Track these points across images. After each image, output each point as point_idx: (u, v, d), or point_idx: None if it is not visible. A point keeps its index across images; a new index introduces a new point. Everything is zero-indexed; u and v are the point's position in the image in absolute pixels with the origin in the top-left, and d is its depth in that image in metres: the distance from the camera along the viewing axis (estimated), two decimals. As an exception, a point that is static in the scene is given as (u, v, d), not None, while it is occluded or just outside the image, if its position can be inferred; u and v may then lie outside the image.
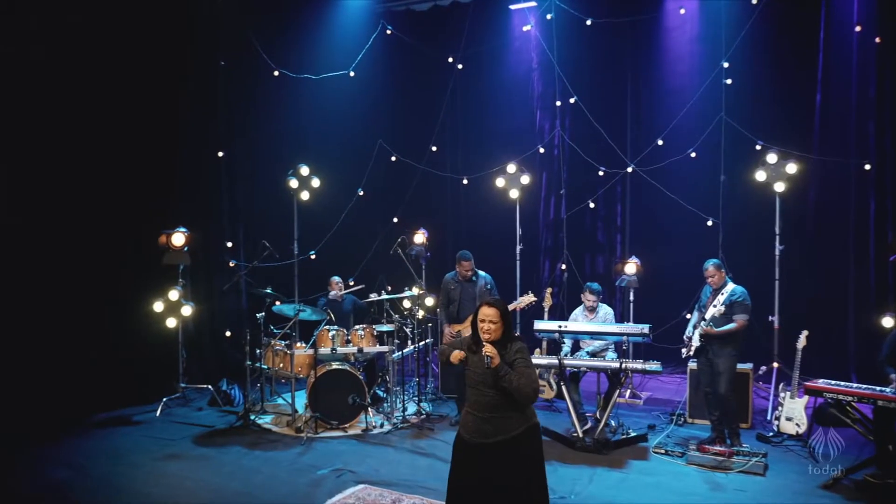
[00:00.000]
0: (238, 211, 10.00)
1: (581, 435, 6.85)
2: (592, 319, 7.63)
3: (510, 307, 7.62)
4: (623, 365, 6.79)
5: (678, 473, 6.26)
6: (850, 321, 9.12)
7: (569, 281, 9.93)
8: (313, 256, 9.91)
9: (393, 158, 10.51)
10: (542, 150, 10.18)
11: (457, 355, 4.20)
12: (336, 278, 8.83)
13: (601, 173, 9.68)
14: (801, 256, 8.76)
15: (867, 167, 8.38)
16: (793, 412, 7.17)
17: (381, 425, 7.51)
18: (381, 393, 8.30)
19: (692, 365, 7.58)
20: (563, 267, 9.71)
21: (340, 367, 7.51)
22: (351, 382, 7.45)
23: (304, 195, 9.04)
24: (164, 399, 8.15)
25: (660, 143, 9.20)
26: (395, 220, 10.52)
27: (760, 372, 8.25)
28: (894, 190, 8.83)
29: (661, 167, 9.21)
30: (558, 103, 9.93)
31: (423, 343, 8.43)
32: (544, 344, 8.42)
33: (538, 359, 7.21)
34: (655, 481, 6.09)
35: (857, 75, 8.81)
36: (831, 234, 9.09)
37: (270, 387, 8.47)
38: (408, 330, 8.09)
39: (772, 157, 8.05)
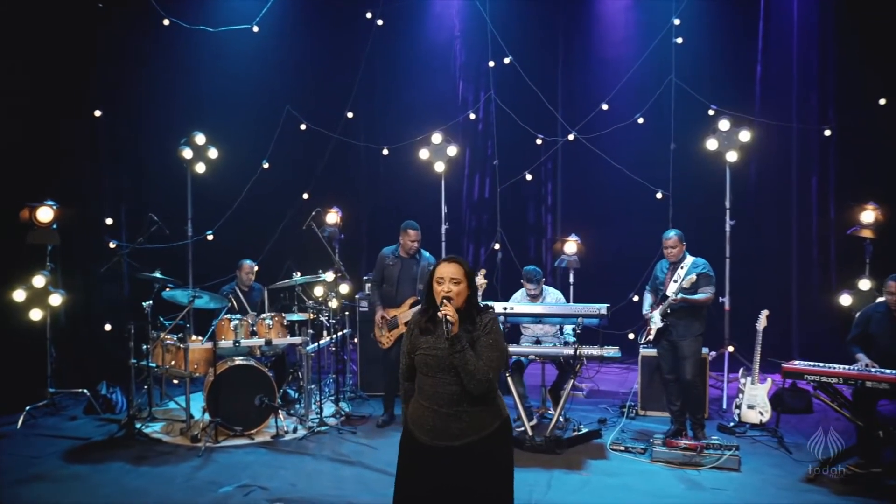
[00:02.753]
0: (120, 183, 8.65)
1: (530, 433, 5.97)
2: (538, 307, 6.77)
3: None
4: (578, 351, 5.94)
5: (644, 472, 5.51)
6: (794, 300, 8.73)
7: (504, 263, 9.02)
8: (210, 237, 8.65)
9: (303, 126, 9.34)
10: (472, 116, 9.21)
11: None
12: (248, 262, 7.59)
13: (539, 142, 8.85)
14: (747, 232, 8.22)
15: (827, 133, 7.89)
16: (755, 399, 6.57)
17: (295, 430, 6.41)
18: (292, 392, 7.18)
19: (645, 351, 6.86)
20: (497, 247, 8.80)
21: (245, 362, 6.39)
22: (257, 380, 6.33)
23: (200, 167, 7.88)
24: (28, 408, 6.84)
25: (604, 107, 8.44)
26: (306, 196, 9.34)
27: (710, 357, 7.64)
28: (837, 164, 8.48)
29: (607, 135, 8.44)
30: (491, 63, 8.98)
31: (340, 334, 7.35)
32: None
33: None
34: (621, 483, 5.32)
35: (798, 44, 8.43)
36: (774, 208, 8.64)
37: (160, 389, 7.23)
38: (324, 319, 6.99)
39: (724, 124, 7.43)
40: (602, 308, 5.95)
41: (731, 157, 7.51)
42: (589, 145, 8.42)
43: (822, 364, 5.47)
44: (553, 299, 6.86)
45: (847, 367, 5.38)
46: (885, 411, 6.28)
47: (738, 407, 6.64)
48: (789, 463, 5.69)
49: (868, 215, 7.29)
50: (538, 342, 6.77)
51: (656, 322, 6.09)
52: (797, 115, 8.38)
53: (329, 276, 7.25)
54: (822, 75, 8.46)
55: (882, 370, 5.22)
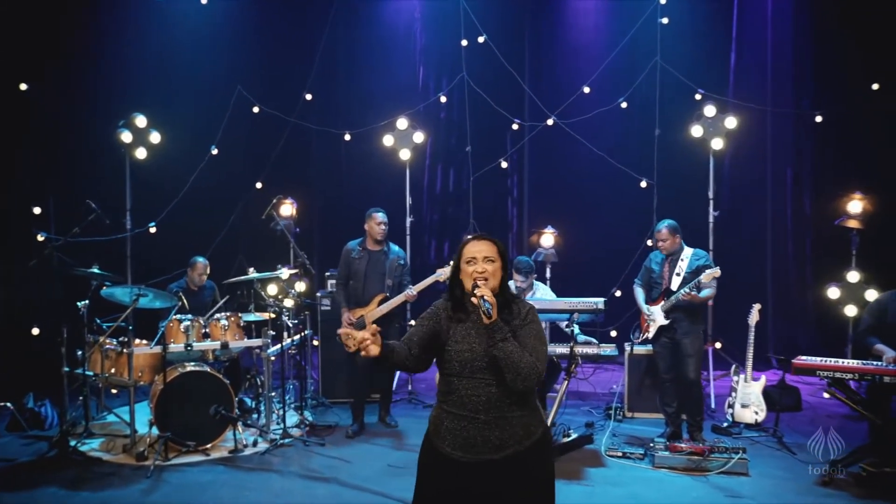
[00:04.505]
0: (49, 168, 7.69)
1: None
2: (527, 303, 6.25)
3: (427, 284, 6.13)
4: (573, 349, 5.44)
5: (650, 480, 5.06)
6: (769, 294, 8.49)
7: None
8: (153, 230, 7.80)
9: (256, 109, 8.56)
10: (443, 99, 8.58)
11: (370, 331, 2.62)
12: (201, 260, 6.82)
13: (515, 127, 8.32)
14: (726, 223, 7.90)
15: (818, 119, 7.61)
16: (748, 398, 6.22)
17: (255, 443, 5.72)
18: (248, 401, 6.46)
19: (635, 350, 6.41)
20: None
21: (198, 368, 5.65)
22: (212, 389, 5.62)
23: (140, 153, 7.43)
24: (-61, 425, 5.91)
25: (586, 90, 7.96)
26: (259, 185, 8.58)
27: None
28: (813, 156, 8.25)
29: (587, 120, 7.94)
30: (464, 42, 8.37)
31: (300, 336, 6.68)
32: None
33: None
34: (629, 493, 4.86)
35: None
36: (750, 199, 8.36)
37: (98, 400, 6.38)
38: (286, 319, 6.30)
39: (710, 110, 7.08)
40: (599, 302, 5.46)
41: (717, 144, 7.18)
42: (569, 130, 7.93)
43: (833, 360, 5.11)
44: (541, 295, 6.36)
45: (858, 361, 5.06)
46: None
47: (732, 406, 6.29)
48: (797, 465, 5.34)
49: (855, 205, 7.06)
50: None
51: (658, 319, 5.65)
52: (793, 101, 8.11)
53: (285, 272, 6.55)
54: (802, 61, 8.21)
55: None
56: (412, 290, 6.00)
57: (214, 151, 8.34)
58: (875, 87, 7.25)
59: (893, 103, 7.13)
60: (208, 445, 5.54)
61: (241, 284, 6.60)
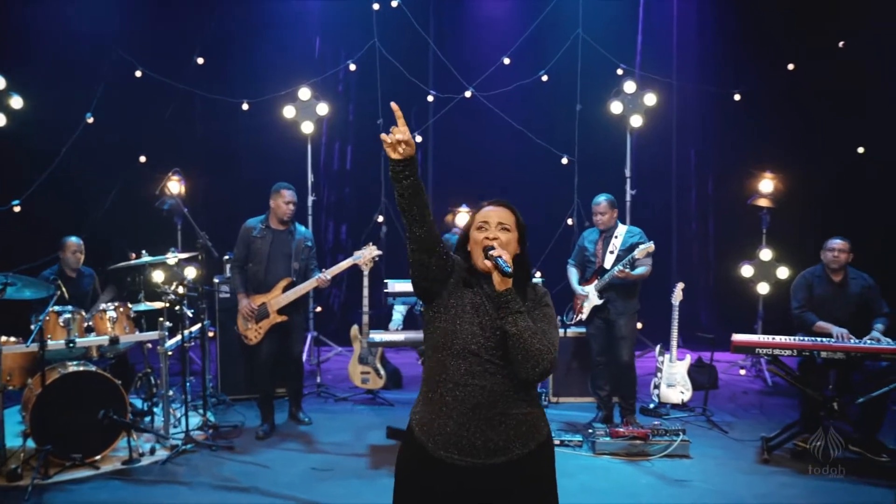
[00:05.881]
0: None
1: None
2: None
3: (342, 268, 5.60)
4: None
5: (595, 468, 4.85)
6: (674, 274, 8.57)
7: (389, 238, 7.90)
8: (17, 208, 6.75)
9: (138, 73, 7.62)
10: (352, 67, 7.93)
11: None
12: (73, 239, 5.87)
13: (430, 98, 7.84)
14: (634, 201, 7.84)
15: (737, 97, 7.64)
16: (674, 378, 6.13)
17: (153, 451, 5.00)
18: (139, 403, 5.67)
19: (568, 333, 6.18)
20: (381, 219, 7.69)
21: (82, 368, 4.86)
22: (100, 391, 4.85)
23: (0, 119, 6.56)
24: None
25: (506, 62, 7.59)
26: (143, 158, 7.64)
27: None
28: (722, 136, 8.35)
29: (507, 93, 7.57)
30: (376, 6, 7.76)
31: (198, 327, 5.95)
32: (365, 318, 6.36)
33: (390, 334, 5.26)
34: (579, 484, 4.63)
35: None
36: (657, 178, 8.37)
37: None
38: (186, 308, 5.59)
39: (629, 86, 6.95)
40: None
41: (636, 121, 7.07)
42: (488, 104, 7.55)
43: (771, 337, 5.07)
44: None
45: (794, 338, 5.05)
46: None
47: (657, 387, 6.19)
48: (732, 444, 5.32)
49: (766, 184, 7.17)
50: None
51: (592, 299, 5.42)
52: (710, 80, 8.09)
53: (172, 257, 5.75)
54: (714, 40, 8.23)
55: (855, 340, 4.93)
56: (326, 275, 5.46)
57: (90, 120, 7.35)
58: (790, 67, 7.38)
59: (808, 83, 7.30)
60: (97, 457, 4.77)
61: (129, 271, 5.78)
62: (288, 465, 4.88)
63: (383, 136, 2.15)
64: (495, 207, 2.39)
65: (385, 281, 5.12)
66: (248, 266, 5.56)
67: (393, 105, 2.22)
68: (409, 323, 6.02)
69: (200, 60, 7.65)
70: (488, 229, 2.33)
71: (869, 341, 4.88)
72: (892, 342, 4.80)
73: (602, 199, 5.55)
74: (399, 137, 2.12)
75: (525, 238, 2.41)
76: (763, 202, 7.16)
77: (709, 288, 8.72)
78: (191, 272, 6.42)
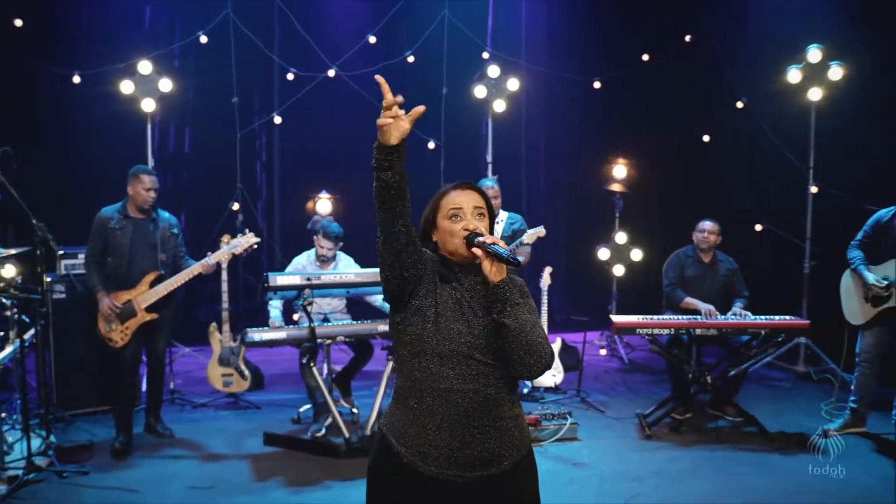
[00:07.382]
0: None
1: (347, 434, 4.81)
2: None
3: (224, 255, 5.10)
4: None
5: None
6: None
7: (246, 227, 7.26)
8: None
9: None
10: (204, 39, 7.07)
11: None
12: None
13: (290, 77, 7.29)
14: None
15: (597, 85, 7.84)
16: (544, 360, 6.24)
17: (-15, 486, 4.21)
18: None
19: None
20: (237, 207, 7.06)
21: None
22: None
23: None
24: None
25: (372, 40, 7.21)
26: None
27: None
28: (577, 123, 8.61)
29: (372, 74, 7.16)
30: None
31: (31, 333, 5.13)
32: (225, 314, 5.84)
33: (272, 332, 4.84)
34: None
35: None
36: (507, 163, 8.47)
37: None
38: (17, 314, 4.77)
39: (493, 70, 6.94)
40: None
41: (499, 106, 7.08)
42: (353, 84, 7.12)
43: (650, 317, 5.28)
44: (345, 266, 5.66)
45: (671, 317, 5.32)
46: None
47: (532, 371, 6.28)
48: (614, 423, 5.47)
49: (620, 170, 7.49)
50: (326, 320, 5.52)
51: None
52: (564, 65, 8.23)
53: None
54: (573, 30, 8.43)
55: (720, 316, 5.22)
56: (210, 259, 4.97)
57: None
58: (645, 57, 7.74)
59: (660, 75, 7.70)
60: (-89, 501, 3.95)
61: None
62: (160, 486, 4.33)
63: (381, 120, 1.86)
64: (465, 191, 2.16)
65: (266, 274, 4.68)
66: (108, 261, 4.88)
67: (378, 78, 1.93)
68: (287, 318, 5.62)
69: (18, 22, 6.52)
70: (464, 217, 2.11)
71: (733, 317, 5.23)
72: (756, 317, 5.18)
73: (490, 182, 5.56)
74: (402, 115, 1.89)
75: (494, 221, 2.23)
76: (616, 187, 7.47)
77: (560, 271, 9.00)
78: (9, 271, 5.49)
